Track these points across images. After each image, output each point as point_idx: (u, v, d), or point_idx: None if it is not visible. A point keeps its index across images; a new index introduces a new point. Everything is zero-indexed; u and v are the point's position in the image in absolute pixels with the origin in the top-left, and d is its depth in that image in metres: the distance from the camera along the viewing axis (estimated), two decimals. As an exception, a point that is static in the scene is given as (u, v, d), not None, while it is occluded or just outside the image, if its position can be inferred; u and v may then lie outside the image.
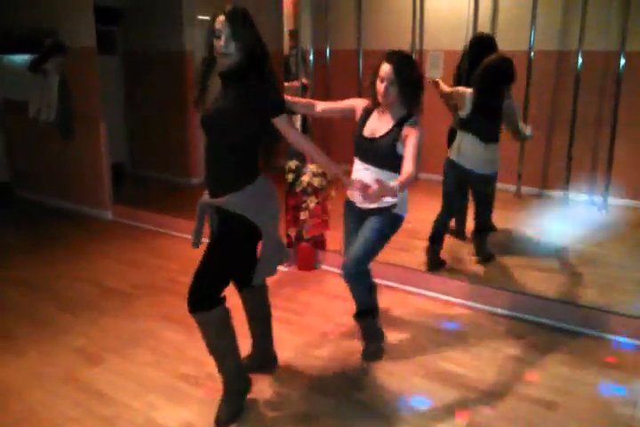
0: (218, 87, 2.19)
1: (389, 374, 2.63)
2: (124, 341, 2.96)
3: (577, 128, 4.26)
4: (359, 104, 2.62)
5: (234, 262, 2.26)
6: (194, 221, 2.31)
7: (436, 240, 3.71)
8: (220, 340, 2.28)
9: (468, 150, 3.50)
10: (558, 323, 3.07)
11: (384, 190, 2.07)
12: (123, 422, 2.31)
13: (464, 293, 3.38)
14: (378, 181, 2.06)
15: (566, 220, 4.02)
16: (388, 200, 2.47)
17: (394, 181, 2.19)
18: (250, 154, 2.20)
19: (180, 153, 6.04)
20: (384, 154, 2.49)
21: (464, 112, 3.46)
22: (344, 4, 4.88)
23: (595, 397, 2.44)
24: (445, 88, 3.63)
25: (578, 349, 2.85)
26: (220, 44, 2.05)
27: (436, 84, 3.64)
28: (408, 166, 2.32)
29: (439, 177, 3.73)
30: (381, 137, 2.49)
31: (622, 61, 3.98)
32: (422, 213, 4.38)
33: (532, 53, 4.09)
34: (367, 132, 2.54)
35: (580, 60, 4.08)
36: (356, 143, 2.59)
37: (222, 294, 2.25)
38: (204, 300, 2.20)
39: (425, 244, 3.72)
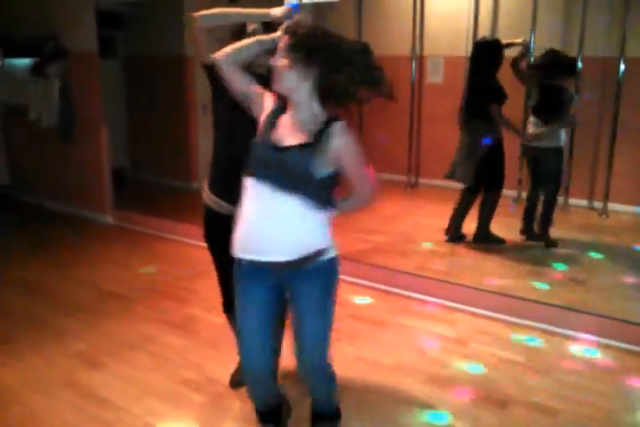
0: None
1: (387, 380, 2.62)
2: (124, 345, 2.96)
3: (577, 134, 4.28)
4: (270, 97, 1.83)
5: None
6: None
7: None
8: None
9: None
10: (557, 328, 3.08)
11: None
12: (123, 426, 2.31)
13: (464, 297, 3.37)
14: None
15: (566, 225, 4.02)
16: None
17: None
18: None
19: (181, 158, 6.04)
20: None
21: None
22: (344, 8, 4.90)
23: (596, 403, 2.44)
24: None
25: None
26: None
27: None
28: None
29: (437, 182, 3.74)
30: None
31: (622, 67, 4.00)
32: (417, 218, 4.41)
33: (532, 59, 4.11)
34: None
35: (581, 66, 4.10)
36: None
37: None
38: None
39: (421, 248, 3.73)
